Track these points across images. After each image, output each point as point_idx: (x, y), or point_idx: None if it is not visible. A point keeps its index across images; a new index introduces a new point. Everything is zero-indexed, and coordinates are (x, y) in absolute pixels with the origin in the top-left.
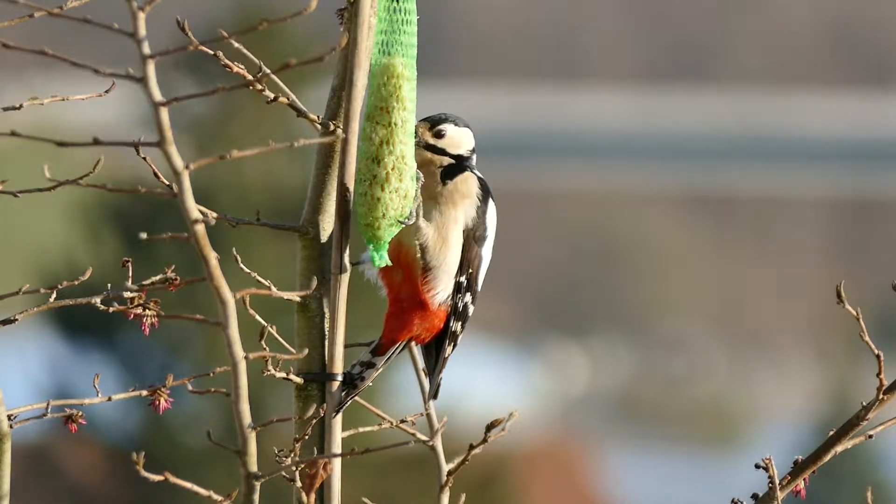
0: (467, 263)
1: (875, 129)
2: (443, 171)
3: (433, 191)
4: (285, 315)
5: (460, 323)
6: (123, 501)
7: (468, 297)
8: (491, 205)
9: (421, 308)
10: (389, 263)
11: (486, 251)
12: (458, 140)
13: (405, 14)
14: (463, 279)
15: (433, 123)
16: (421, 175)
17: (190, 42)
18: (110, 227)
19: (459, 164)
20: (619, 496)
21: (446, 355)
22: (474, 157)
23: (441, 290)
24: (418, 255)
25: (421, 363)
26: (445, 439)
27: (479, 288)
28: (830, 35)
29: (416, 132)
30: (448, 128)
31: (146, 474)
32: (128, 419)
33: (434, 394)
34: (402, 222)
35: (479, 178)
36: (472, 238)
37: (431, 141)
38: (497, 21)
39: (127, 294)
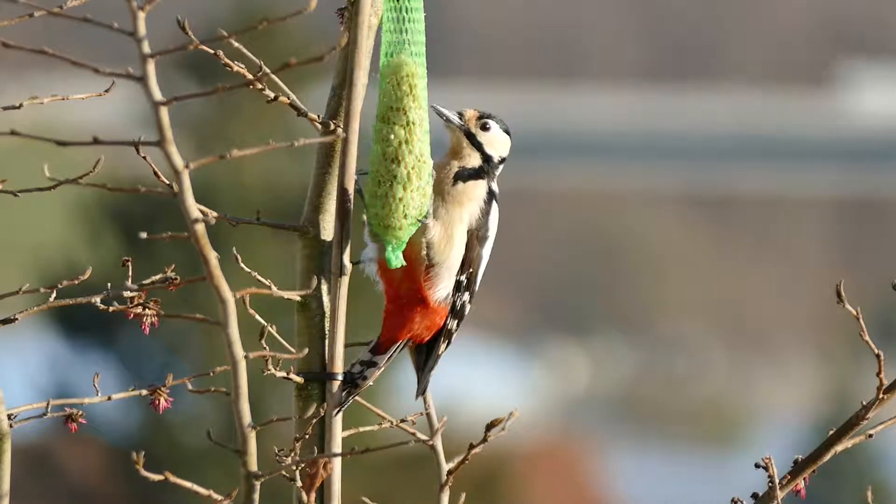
0: (469, 262)
1: (875, 129)
2: (458, 172)
3: (441, 187)
4: (285, 314)
5: (457, 321)
6: (123, 501)
7: (466, 296)
8: (494, 207)
9: (421, 305)
10: (405, 264)
11: (486, 251)
12: (498, 142)
13: (412, 13)
14: (463, 278)
15: (482, 115)
16: (434, 172)
17: (190, 41)
18: (110, 226)
19: (480, 170)
20: (619, 496)
21: (440, 353)
22: (500, 168)
23: (442, 288)
24: (423, 252)
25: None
26: (445, 439)
27: (477, 287)
28: (830, 35)
29: (461, 116)
30: (494, 125)
31: (146, 474)
32: (128, 419)
33: (423, 391)
34: (421, 220)
35: (488, 191)
36: (475, 238)
37: (474, 130)
38: (497, 21)
39: (127, 294)
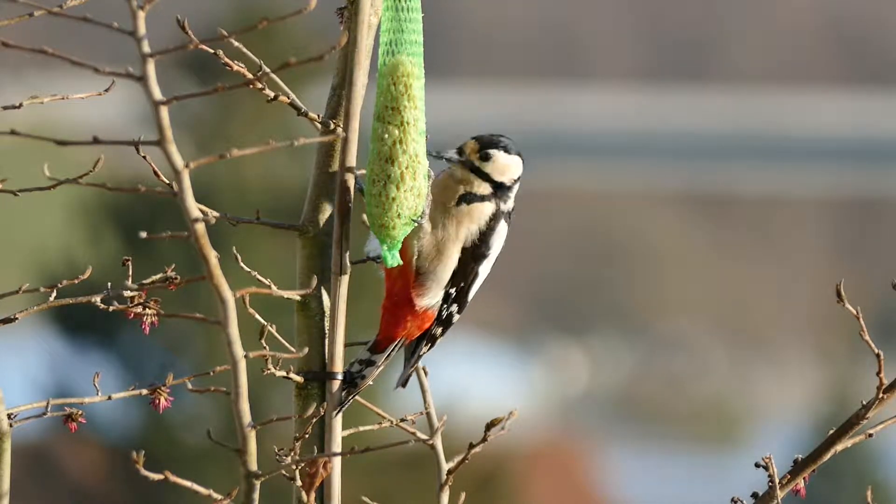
0: (461, 277)
1: (875, 129)
2: (462, 195)
3: (447, 204)
4: (285, 314)
5: (441, 328)
6: (123, 500)
7: (454, 308)
8: (501, 225)
9: (408, 305)
10: (401, 263)
11: (484, 268)
12: (504, 167)
13: (410, 13)
14: (453, 291)
15: (482, 145)
16: (432, 172)
17: (190, 41)
18: (110, 226)
19: (490, 196)
20: (619, 495)
21: (421, 353)
22: (516, 186)
23: (428, 296)
24: (414, 256)
25: (420, 362)
26: (445, 438)
27: (470, 300)
28: (830, 35)
29: (463, 151)
30: (497, 154)
31: (146, 473)
32: (128, 418)
33: (404, 383)
34: (415, 221)
35: (495, 212)
36: (471, 255)
37: (477, 163)
38: (497, 21)
39: (127, 293)
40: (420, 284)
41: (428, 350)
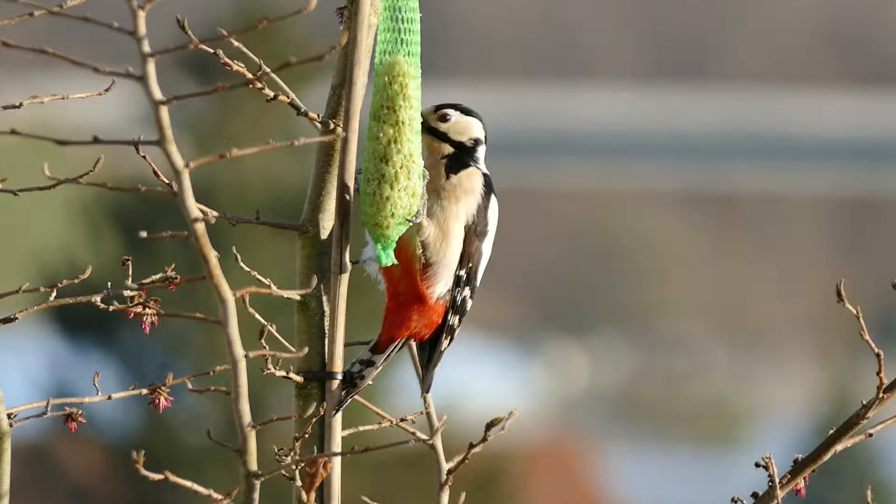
0: (468, 258)
1: (875, 129)
2: (447, 164)
3: (436, 183)
4: (285, 314)
5: (458, 317)
6: (123, 500)
7: (467, 291)
8: (493, 200)
9: (419, 303)
10: (396, 262)
11: (487, 246)
12: (462, 127)
13: (408, 12)
14: (463, 273)
15: (438, 107)
16: (427, 173)
17: (190, 40)
18: (110, 225)
19: (461, 156)
20: (619, 495)
21: (442, 349)
22: (480, 149)
23: (440, 283)
24: (419, 251)
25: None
26: (445, 438)
27: (478, 283)
28: (830, 35)
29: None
30: (452, 113)
31: (146, 473)
32: (128, 418)
33: (428, 388)
34: (410, 221)
35: (483, 175)
36: (473, 233)
37: (434, 124)
38: (497, 21)
39: (127, 293)
40: (432, 274)
41: (449, 344)
